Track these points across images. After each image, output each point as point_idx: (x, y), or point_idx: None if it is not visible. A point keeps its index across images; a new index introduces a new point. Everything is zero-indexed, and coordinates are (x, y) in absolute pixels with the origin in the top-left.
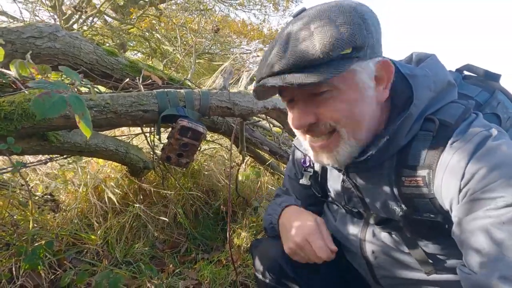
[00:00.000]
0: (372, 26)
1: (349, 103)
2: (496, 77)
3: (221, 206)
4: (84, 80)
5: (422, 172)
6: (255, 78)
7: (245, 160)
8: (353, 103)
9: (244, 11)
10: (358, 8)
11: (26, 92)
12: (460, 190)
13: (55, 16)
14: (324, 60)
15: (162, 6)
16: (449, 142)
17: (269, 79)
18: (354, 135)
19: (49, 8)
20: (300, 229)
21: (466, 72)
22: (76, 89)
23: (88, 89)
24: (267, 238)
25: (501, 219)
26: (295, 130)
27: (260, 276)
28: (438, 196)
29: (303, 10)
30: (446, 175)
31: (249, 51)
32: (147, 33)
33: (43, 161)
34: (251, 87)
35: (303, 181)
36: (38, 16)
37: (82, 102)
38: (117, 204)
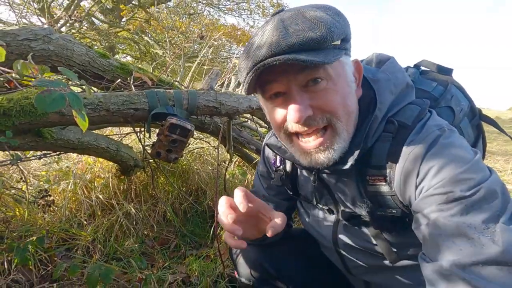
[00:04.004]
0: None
1: (342, 95)
2: (448, 71)
3: (210, 203)
4: (80, 81)
5: (384, 171)
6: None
7: (233, 161)
8: (346, 96)
9: (234, 16)
10: (336, 8)
11: (24, 90)
12: (416, 187)
13: (43, 19)
14: (325, 45)
15: (151, 9)
16: (406, 142)
17: (274, 58)
18: (348, 129)
19: (37, 11)
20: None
21: (422, 68)
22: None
23: (81, 89)
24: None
25: (451, 212)
26: (278, 132)
27: (243, 280)
28: (398, 193)
29: (283, 10)
30: (404, 173)
31: (238, 56)
32: (136, 36)
33: (38, 156)
34: (239, 90)
35: (275, 181)
36: (25, 18)
37: (80, 99)
38: (106, 203)
